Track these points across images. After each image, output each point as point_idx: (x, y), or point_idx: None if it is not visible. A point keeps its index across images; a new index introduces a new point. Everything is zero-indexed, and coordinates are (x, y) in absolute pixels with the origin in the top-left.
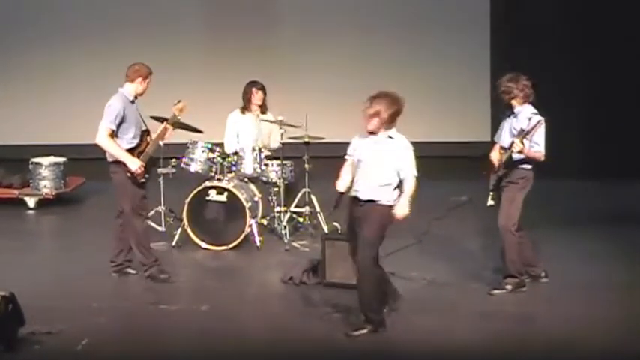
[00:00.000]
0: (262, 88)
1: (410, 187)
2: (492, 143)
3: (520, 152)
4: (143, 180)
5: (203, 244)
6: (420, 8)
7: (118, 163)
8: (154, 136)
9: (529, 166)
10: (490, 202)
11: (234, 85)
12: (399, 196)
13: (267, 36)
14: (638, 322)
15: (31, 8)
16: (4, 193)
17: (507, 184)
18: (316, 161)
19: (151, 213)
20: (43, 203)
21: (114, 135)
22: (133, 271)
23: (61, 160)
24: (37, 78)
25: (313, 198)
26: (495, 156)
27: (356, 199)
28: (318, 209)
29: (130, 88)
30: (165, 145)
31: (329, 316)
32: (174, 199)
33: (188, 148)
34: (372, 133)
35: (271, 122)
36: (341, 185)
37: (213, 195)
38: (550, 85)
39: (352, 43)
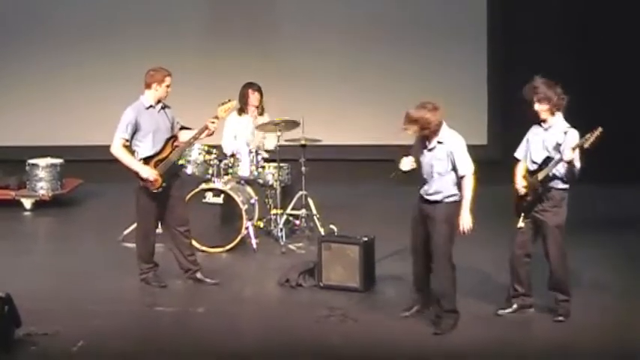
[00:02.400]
0: (259, 90)
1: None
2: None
3: (569, 162)
4: (156, 190)
5: (199, 247)
6: (417, 16)
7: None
8: (184, 139)
9: (567, 186)
10: (521, 224)
11: (233, 88)
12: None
13: (265, 40)
14: (636, 328)
15: (28, 12)
16: (0, 195)
17: (551, 208)
18: (313, 164)
19: None
20: (40, 204)
21: (129, 144)
22: (208, 280)
23: (58, 161)
24: (34, 79)
25: (310, 200)
26: (521, 181)
27: None
28: (314, 211)
29: (148, 95)
30: None
31: (325, 318)
32: None
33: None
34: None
35: (267, 124)
36: None
37: (209, 197)
38: None
39: (350, 48)
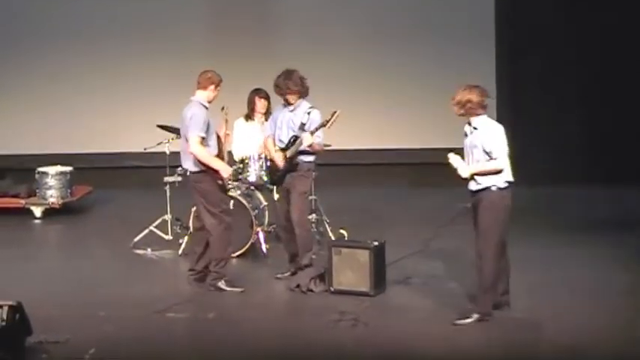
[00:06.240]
0: (266, 97)
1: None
2: None
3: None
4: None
5: None
6: (424, 17)
7: (204, 172)
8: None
9: (312, 158)
10: (276, 196)
11: (239, 93)
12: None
13: (271, 43)
14: None
15: (36, 17)
16: (10, 203)
17: (298, 177)
18: (323, 168)
19: (158, 221)
20: (50, 212)
21: (204, 143)
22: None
23: (67, 169)
24: (43, 87)
25: (320, 205)
26: (278, 156)
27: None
28: (324, 216)
29: (203, 96)
30: (171, 153)
31: (336, 323)
32: (181, 208)
33: None
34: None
35: None
36: None
37: None
38: (555, 92)
39: (357, 52)
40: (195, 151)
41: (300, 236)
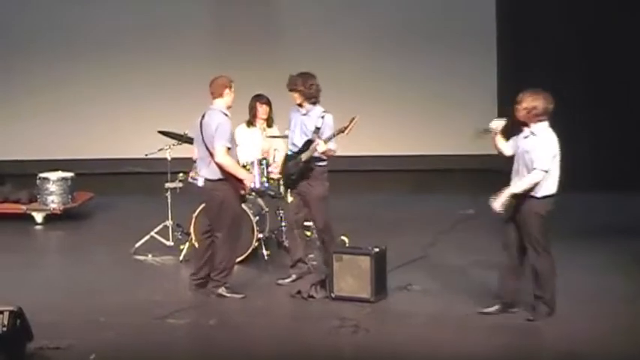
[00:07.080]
0: (267, 102)
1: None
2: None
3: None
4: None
5: None
6: (426, 23)
7: (224, 180)
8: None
9: (325, 162)
10: (290, 199)
11: (242, 99)
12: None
13: (273, 51)
14: None
15: (39, 24)
16: (11, 209)
17: (313, 182)
18: None
19: (159, 227)
20: (51, 218)
21: (229, 153)
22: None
23: (69, 174)
24: (44, 93)
25: None
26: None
27: None
28: None
29: (222, 103)
30: (172, 159)
31: (337, 329)
32: (182, 214)
33: (195, 162)
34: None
35: (278, 137)
36: None
37: None
38: (559, 98)
39: (360, 58)
40: (222, 162)
41: (328, 243)
